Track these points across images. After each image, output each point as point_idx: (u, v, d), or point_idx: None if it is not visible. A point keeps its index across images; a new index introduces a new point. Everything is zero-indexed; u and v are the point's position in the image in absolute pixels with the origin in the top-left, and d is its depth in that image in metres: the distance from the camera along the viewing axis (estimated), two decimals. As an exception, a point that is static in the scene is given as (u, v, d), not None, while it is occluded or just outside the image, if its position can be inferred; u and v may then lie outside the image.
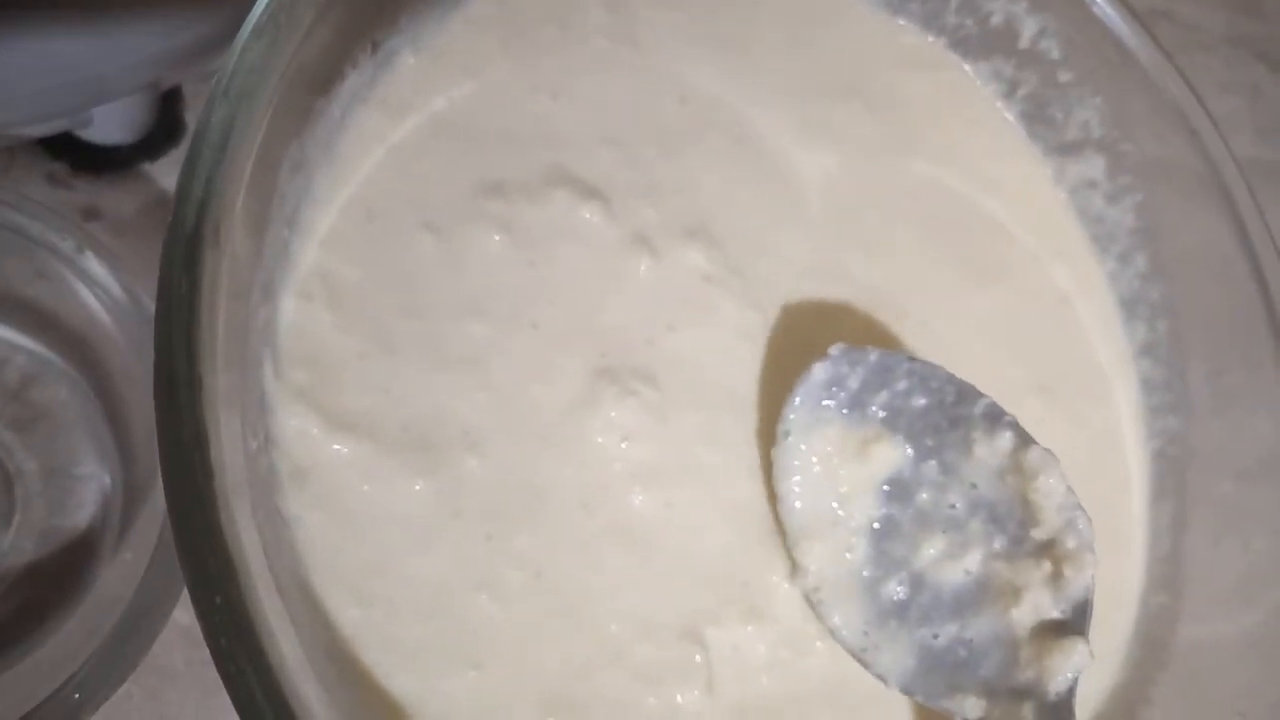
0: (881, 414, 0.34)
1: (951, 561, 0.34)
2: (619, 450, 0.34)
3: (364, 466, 0.32)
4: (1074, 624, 0.33)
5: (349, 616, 0.30)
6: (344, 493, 0.31)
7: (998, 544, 0.34)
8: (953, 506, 0.34)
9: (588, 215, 0.36)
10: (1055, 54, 0.42)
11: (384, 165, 0.34)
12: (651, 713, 0.33)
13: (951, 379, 0.35)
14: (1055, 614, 0.33)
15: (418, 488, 0.32)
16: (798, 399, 0.34)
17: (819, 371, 0.34)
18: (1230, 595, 0.39)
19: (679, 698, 0.33)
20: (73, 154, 0.42)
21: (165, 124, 0.43)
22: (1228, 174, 0.39)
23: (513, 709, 0.31)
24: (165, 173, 0.43)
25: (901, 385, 0.35)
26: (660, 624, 0.33)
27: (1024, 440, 0.34)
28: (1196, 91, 0.39)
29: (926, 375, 0.35)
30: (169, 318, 0.24)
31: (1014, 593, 0.33)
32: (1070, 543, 0.33)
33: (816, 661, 0.34)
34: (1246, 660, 0.38)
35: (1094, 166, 0.43)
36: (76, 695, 0.32)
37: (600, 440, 0.34)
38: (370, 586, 0.31)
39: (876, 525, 0.34)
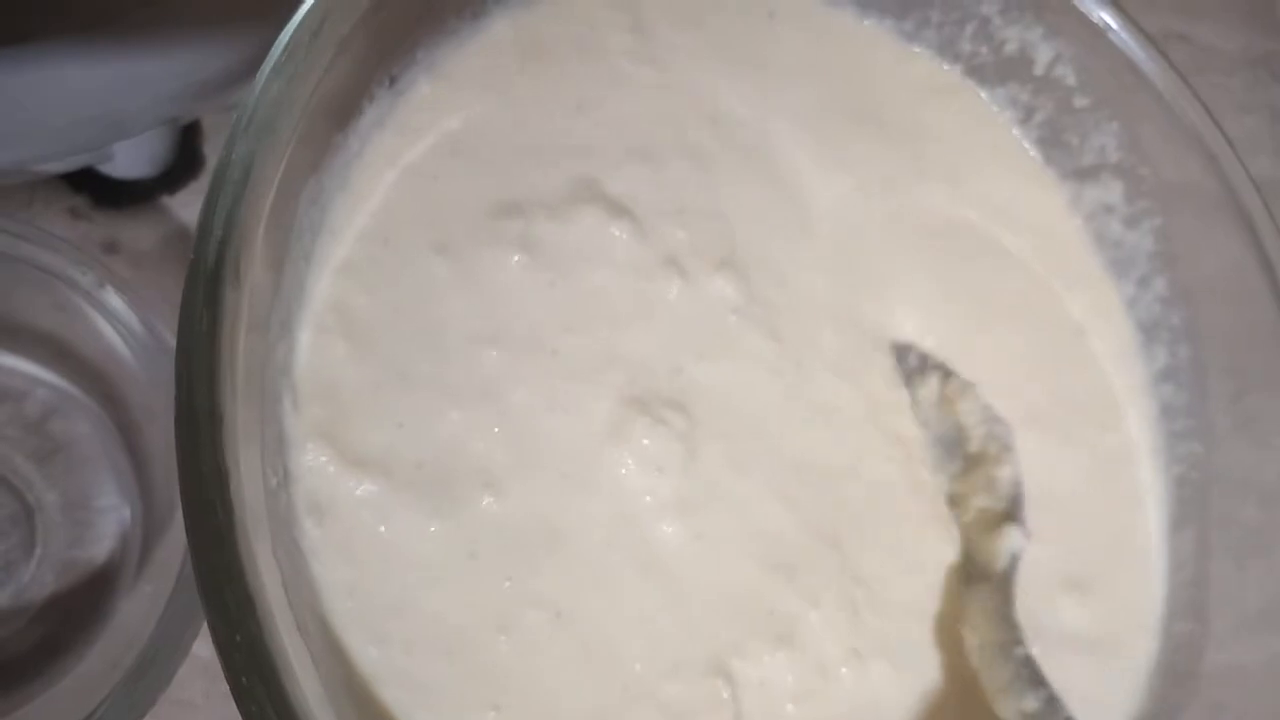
0: None
1: None
2: (648, 482, 0.34)
3: (379, 506, 0.31)
4: (1011, 513, 0.38)
5: (368, 655, 0.30)
6: (360, 533, 0.31)
7: (953, 468, 0.38)
8: None
9: (617, 233, 0.35)
10: (1071, 80, 0.42)
11: (398, 188, 0.34)
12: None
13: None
14: (996, 506, 0.38)
15: (433, 529, 0.32)
16: None
17: None
18: (1257, 621, 0.39)
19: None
20: (93, 188, 0.42)
21: (184, 157, 0.43)
22: (1246, 196, 0.39)
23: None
24: (184, 205, 0.44)
25: None
26: (686, 660, 0.33)
27: (947, 374, 0.39)
28: (1213, 114, 0.39)
29: None
30: (190, 353, 0.24)
31: (964, 502, 0.38)
32: (993, 448, 0.39)
33: (842, 688, 0.34)
34: (1276, 687, 0.37)
35: (1111, 191, 0.43)
36: (99, 728, 0.32)
37: (625, 472, 0.33)
38: (388, 626, 0.31)
39: None
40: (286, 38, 0.28)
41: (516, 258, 0.34)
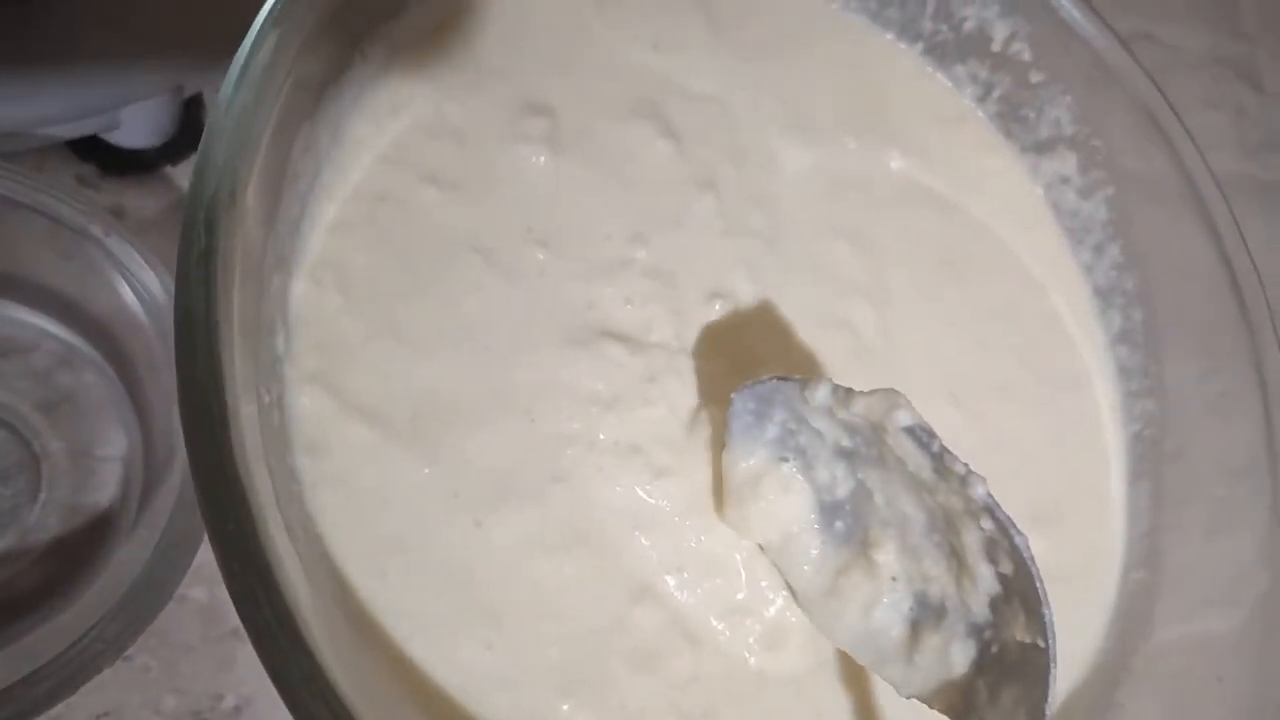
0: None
1: None
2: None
3: (375, 450, 0.33)
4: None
5: (367, 586, 0.32)
6: (357, 473, 0.33)
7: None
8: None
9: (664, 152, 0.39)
10: (1026, 56, 0.44)
11: (391, 142, 0.36)
12: (665, 679, 0.34)
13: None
14: None
15: (426, 472, 0.34)
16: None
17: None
18: (1212, 595, 0.40)
19: (675, 666, 0.35)
20: (100, 156, 0.44)
21: (187, 129, 0.45)
22: (1190, 160, 0.41)
23: (529, 687, 0.33)
24: (186, 175, 0.46)
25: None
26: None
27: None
28: (1158, 84, 0.41)
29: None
30: (188, 267, 0.26)
31: None
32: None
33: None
34: (1228, 642, 0.39)
35: (1066, 163, 0.45)
36: (89, 650, 0.33)
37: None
38: (387, 562, 0.32)
39: None
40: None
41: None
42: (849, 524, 0.35)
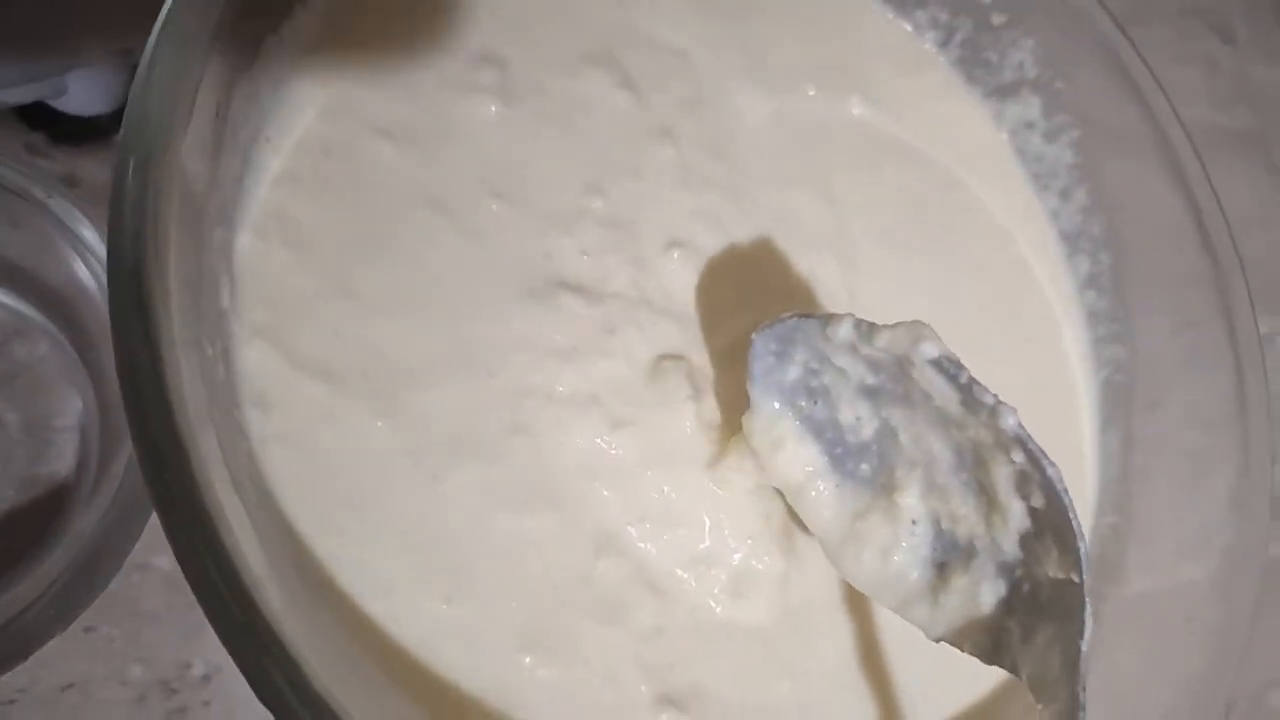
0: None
1: None
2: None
3: (325, 407, 0.33)
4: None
5: (321, 544, 0.31)
6: (309, 430, 0.32)
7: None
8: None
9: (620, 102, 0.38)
10: (986, -1, 0.44)
11: (337, 95, 0.36)
12: (630, 631, 0.34)
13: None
14: None
15: (380, 426, 0.33)
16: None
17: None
18: (1186, 537, 0.40)
19: (639, 617, 0.34)
20: (51, 124, 0.44)
21: (139, 95, 0.44)
22: (1150, 95, 0.41)
23: (490, 641, 0.32)
24: (140, 142, 0.45)
25: None
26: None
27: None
28: (1120, 24, 0.41)
29: None
30: (119, 218, 0.26)
31: None
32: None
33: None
34: (1199, 587, 0.39)
35: (1030, 107, 0.45)
36: (39, 618, 0.33)
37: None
38: (342, 520, 0.32)
39: None
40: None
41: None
42: (874, 466, 0.34)
